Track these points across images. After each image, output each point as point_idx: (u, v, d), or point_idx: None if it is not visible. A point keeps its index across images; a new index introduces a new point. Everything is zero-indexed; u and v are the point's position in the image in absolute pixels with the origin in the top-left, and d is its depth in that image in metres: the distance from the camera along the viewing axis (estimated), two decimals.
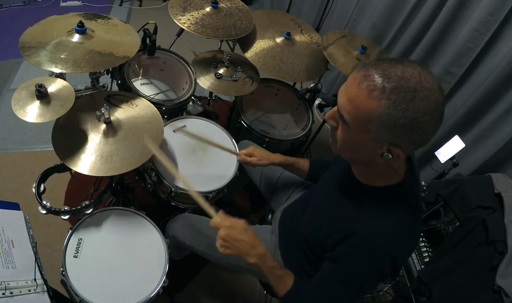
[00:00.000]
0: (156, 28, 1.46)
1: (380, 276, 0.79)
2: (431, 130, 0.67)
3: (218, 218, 0.89)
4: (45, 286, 0.89)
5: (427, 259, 1.53)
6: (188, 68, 1.60)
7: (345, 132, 0.73)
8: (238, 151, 1.38)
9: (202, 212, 0.94)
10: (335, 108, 0.75)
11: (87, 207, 1.14)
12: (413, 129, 0.65)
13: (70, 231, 1.09)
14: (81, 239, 1.08)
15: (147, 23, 1.45)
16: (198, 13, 1.56)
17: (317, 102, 1.88)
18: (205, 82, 1.55)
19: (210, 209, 0.91)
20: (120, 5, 3.15)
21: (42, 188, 1.12)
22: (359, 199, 0.83)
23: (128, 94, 1.28)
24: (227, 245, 0.87)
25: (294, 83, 1.97)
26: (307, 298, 0.86)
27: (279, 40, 1.73)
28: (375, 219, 0.77)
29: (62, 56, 1.13)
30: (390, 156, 0.70)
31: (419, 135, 0.67)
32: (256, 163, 1.22)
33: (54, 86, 1.07)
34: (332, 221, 0.86)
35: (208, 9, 1.59)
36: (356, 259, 0.78)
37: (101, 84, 1.33)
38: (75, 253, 1.05)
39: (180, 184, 1.25)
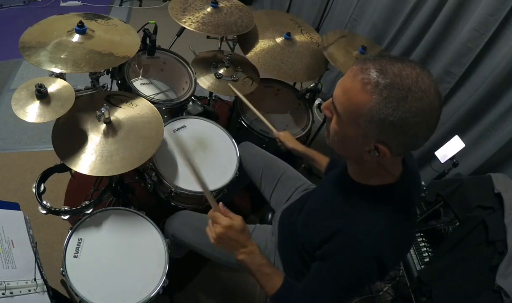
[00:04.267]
0: (156, 28, 1.46)
1: (366, 277, 0.77)
2: (421, 133, 0.66)
3: (219, 212, 0.88)
4: (45, 286, 0.89)
5: (427, 259, 1.53)
6: (188, 68, 1.60)
7: (337, 123, 0.73)
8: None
9: (201, 210, 0.94)
10: (331, 98, 0.75)
11: (87, 207, 1.14)
12: (402, 129, 0.64)
13: (70, 231, 1.09)
14: (81, 239, 1.08)
15: (147, 23, 1.45)
16: (198, 13, 1.56)
17: (317, 102, 1.89)
18: (205, 82, 1.55)
19: (213, 200, 0.89)
20: (120, 5, 3.15)
21: (42, 188, 1.12)
22: (351, 198, 0.82)
23: (128, 94, 1.28)
24: (220, 240, 0.87)
25: (294, 83, 1.97)
26: (295, 298, 0.85)
27: (279, 40, 1.73)
28: (364, 219, 0.76)
29: (62, 56, 1.13)
30: (377, 154, 0.69)
31: (408, 137, 0.65)
32: (282, 140, 1.39)
33: (54, 86, 1.07)
34: (324, 219, 0.86)
35: (208, 9, 1.59)
36: (341, 258, 0.77)
37: (101, 84, 1.33)
38: (75, 253, 1.05)
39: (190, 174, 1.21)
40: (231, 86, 1.55)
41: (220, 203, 0.90)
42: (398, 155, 0.74)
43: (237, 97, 1.74)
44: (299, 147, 1.36)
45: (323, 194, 0.98)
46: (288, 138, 1.39)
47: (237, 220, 0.88)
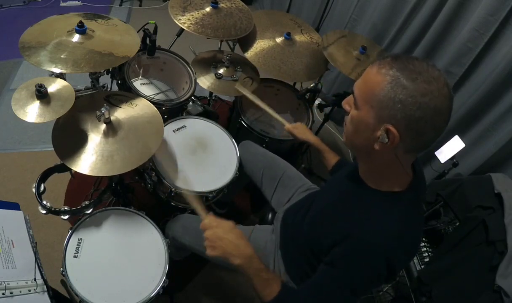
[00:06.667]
0: (156, 28, 1.46)
1: (375, 280, 0.78)
2: (429, 116, 0.66)
3: (207, 219, 0.90)
4: (45, 286, 0.89)
5: (427, 259, 1.54)
6: (188, 68, 1.60)
7: (353, 110, 0.77)
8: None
9: None
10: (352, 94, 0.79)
11: (87, 207, 1.14)
12: (411, 107, 0.66)
13: (70, 231, 1.09)
14: (81, 239, 1.08)
15: (147, 23, 1.45)
16: (198, 13, 1.56)
17: (317, 102, 1.89)
18: (205, 82, 1.55)
19: (201, 211, 0.94)
20: (120, 5, 3.15)
21: (42, 188, 1.12)
22: (361, 200, 0.83)
23: (128, 94, 1.28)
24: (212, 245, 0.87)
25: (294, 83, 1.97)
26: (297, 302, 0.84)
27: (279, 40, 1.73)
28: (374, 222, 0.76)
29: (62, 56, 1.13)
30: (387, 139, 0.70)
31: (416, 118, 0.66)
32: (295, 134, 1.38)
33: (54, 86, 1.07)
34: (333, 222, 0.86)
35: (208, 9, 1.59)
36: (352, 262, 0.77)
37: (101, 84, 1.33)
38: (75, 253, 1.05)
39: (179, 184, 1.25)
40: (238, 88, 1.52)
41: (210, 213, 0.93)
42: (406, 144, 0.72)
43: (237, 97, 1.74)
44: (311, 138, 1.36)
45: (331, 195, 0.98)
46: (301, 130, 1.38)
47: (226, 221, 0.90)
